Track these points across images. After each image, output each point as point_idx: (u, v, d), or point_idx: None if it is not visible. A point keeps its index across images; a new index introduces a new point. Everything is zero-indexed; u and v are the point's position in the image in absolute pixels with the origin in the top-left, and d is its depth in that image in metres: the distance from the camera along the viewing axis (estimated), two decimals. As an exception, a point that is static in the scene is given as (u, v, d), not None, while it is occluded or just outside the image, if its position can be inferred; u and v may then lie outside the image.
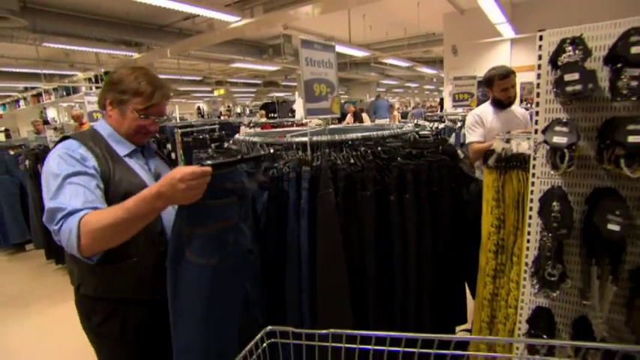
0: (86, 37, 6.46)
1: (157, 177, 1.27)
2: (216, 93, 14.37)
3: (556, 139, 1.01)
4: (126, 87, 1.20)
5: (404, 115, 11.48)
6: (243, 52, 8.69)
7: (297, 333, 1.00)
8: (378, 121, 7.55)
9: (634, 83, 0.89)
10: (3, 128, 12.18)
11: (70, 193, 1.04)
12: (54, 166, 1.09)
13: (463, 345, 1.46)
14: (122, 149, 1.24)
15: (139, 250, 1.17)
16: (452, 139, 4.07)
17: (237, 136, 2.06)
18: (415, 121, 5.02)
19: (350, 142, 1.76)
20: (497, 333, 1.68)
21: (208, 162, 1.01)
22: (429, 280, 1.47)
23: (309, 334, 0.99)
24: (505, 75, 2.39)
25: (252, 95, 19.19)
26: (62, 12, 6.03)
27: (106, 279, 1.18)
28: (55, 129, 4.96)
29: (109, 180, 1.14)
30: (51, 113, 14.08)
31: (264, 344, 1.01)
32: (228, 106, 16.90)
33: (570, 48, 0.97)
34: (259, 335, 1.00)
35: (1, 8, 4.34)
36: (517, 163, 1.46)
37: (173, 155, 4.20)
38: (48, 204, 1.04)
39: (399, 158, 1.50)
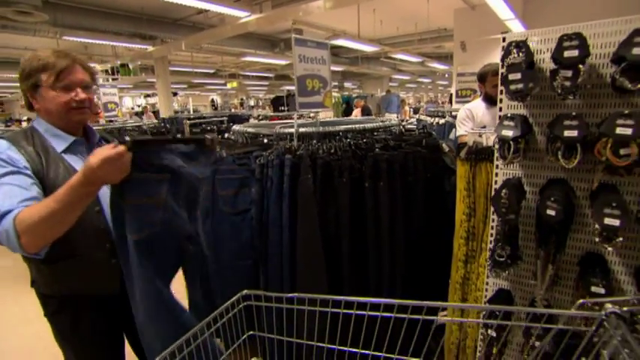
0: (103, 31, 6.72)
1: None
2: (229, 85, 14.60)
3: (504, 132, 1.13)
4: (29, 70, 1.13)
5: (416, 111, 11.50)
6: (255, 45, 8.85)
7: (268, 296, 1.16)
8: (387, 116, 7.63)
9: (567, 83, 1.00)
10: (25, 118, 12.69)
11: (4, 194, 1.00)
12: None
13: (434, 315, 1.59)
14: (59, 144, 1.17)
15: (84, 248, 1.15)
16: (452, 135, 4.16)
17: (234, 127, 2.22)
18: (417, 116, 5.11)
19: (339, 134, 1.91)
20: (469, 315, 1.80)
21: (127, 138, 0.99)
22: (402, 259, 1.60)
23: (278, 297, 1.15)
24: (498, 72, 2.47)
25: (266, 88, 19.38)
26: (81, 6, 6.29)
27: (53, 277, 1.18)
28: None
29: (44, 180, 1.10)
30: (70, 103, 14.52)
31: (240, 306, 1.16)
32: (242, 99, 17.14)
33: (515, 50, 1.08)
34: (235, 298, 1.15)
35: (25, 4, 4.58)
36: (486, 155, 1.57)
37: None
38: None
39: (376, 149, 1.63)
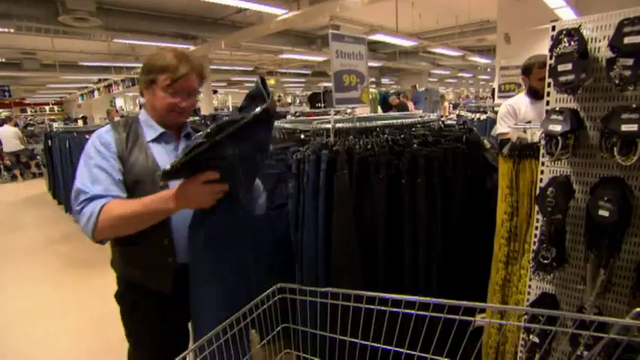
0: (149, 32, 7.07)
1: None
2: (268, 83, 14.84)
3: (551, 127, 1.06)
4: (152, 66, 1.20)
5: (456, 107, 11.10)
6: (293, 42, 8.94)
7: (302, 290, 1.17)
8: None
9: (627, 73, 0.93)
10: (81, 116, 13.65)
11: (94, 178, 1.13)
12: (87, 149, 1.20)
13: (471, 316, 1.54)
14: (150, 133, 1.26)
15: (142, 239, 1.19)
16: (494, 131, 3.98)
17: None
18: (457, 111, 4.93)
19: (376, 130, 1.88)
20: (509, 318, 1.73)
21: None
22: (439, 258, 1.56)
23: (312, 290, 1.16)
24: (545, 64, 2.33)
25: (303, 85, 19.52)
26: (129, 10, 6.65)
27: (119, 260, 1.31)
28: (122, 117, 5.55)
29: (125, 161, 1.20)
30: (119, 102, 15.45)
31: (275, 298, 1.19)
32: (279, 96, 17.39)
33: (566, 39, 1.01)
34: (271, 290, 1.18)
35: (82, 10, 4.92)
36: (530, 152, 1.49)
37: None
38: (75, 184, 1.14)
39: (414, 145, 1.60)
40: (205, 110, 9.13)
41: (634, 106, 0.96)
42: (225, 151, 1.00)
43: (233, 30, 7.71)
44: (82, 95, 17.28)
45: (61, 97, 20.13)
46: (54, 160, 5.99)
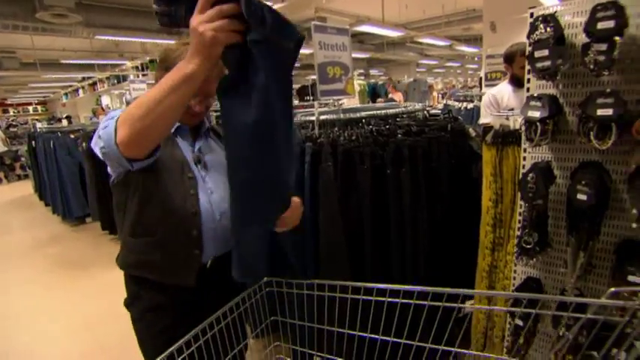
0: (132, 28, 6.93)
1: (196, 160, 1.18)
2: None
3: (530, 113, 1.07)
4: (170, 63, 1.04)
5: (444, 96, 11.14)
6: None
7: (289, 282, 1.17)
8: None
9: (601, 58, 0.94)
10: (65, 115, 13.39)
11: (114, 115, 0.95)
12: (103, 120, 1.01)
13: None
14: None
15: (170, 228, 1.11)
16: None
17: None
18: (445, 101, 4.96)
19: (362, 121, 1.88)
20: (496, 304, 1.76)
21: None
22: (425, 247, 1.58)
23: (299, 283, 1.16)
24: None
25: (292, 78, 19.33)
26: (111, 5, 6.51)
27: (132, 252, 1.17)
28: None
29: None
30: (105, 100, 15.19)
31: (262, 292, 1.19)
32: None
33: (542, 25, 1.02)
34: (258, 284, 1.18)
35: (60, 6, 4.80)
36: (513, 139, 1.50)
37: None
38: (97, 130, 0.98)
39: (399, 135, 1.60)
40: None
41: (608, 90, 0.97)
42: None
43: (218, 24, 7.60)
44: (65, 94, 16.93)
45: (44, 97, 19.71)
46: (39, 161, 5.88)
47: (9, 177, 9.80)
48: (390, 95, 8.70)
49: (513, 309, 1.04)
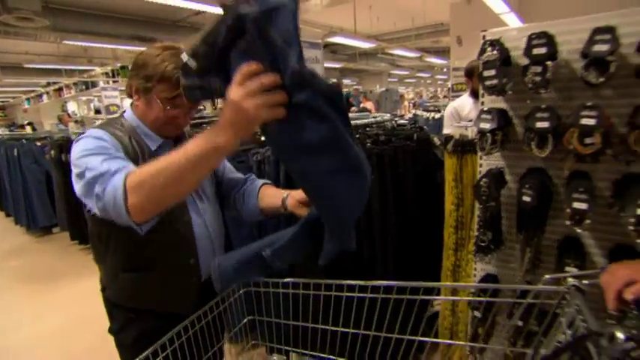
0: (103, 34, 6.80)
1: None
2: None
3: (482, 125, 1.21)
4: (150, 72, 1.00)
5: (415, 106, 11.50)
6: (253, 44, 8.92)
7: (266, 282, 1.24)
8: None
9: (537, 78, 1.08)
10: (27, 122, 12.79)
11: (104, 160, 0.89)
12: (81, 146, 0.95)
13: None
14: (150, 143, 1.09)
15: (166, 258, 1.08)
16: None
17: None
18: (414, 111, 5.19)
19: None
20: (459, 301, 1.89)
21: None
22: (393, 247, 1.69)
23: (275, 282, 1.23)
24: None
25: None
26: (80, 10, 6.38)
27: (128, 287, 1.10)
28: (76, 122, 5.32)
29: None
30: (71, 107, 14.65)
31: (240, 292, 1.25)
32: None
33: (490, 48, 1.16)
34: (235, 285, 1.24)
35: (26, 10, 4.67)
36: (471, 148, 1.65)
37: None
38: (84, 178, 0.88)
39: (368, 144, 1.72)
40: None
41: (543, 106, 1.12)
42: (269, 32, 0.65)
43: (192, 32, 7.59)
44: (28, 99, 16.20)
45: (3, 102, 18.78)
46: (0, 168, 5.64)
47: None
48: (362, 105, 8.95)
49: (465, 298, 1.16)
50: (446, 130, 2.65)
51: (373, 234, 1.66)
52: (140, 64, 1.03)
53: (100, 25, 6.67)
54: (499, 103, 1.44)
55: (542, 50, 1.06)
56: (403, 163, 1.74)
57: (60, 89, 13.27)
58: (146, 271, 1.07)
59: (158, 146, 1.09)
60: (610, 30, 1.00)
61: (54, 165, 4.35)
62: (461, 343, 1.47)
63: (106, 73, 9.05)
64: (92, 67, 10.01)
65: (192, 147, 0.75)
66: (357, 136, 1.90)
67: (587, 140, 1.05)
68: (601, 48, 1.00)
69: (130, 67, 1.08)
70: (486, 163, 1.54)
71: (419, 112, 4.50)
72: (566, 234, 1.39)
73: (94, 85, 10.57)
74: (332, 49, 11.57)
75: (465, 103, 2.65)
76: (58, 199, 4.47)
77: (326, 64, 12.78)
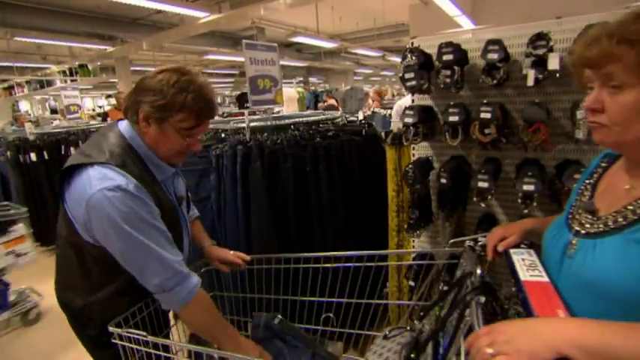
0: (58, 31, 6.59)
1: (179, 201, 1.17)
2: (193, 84, 14.43)
3: (405, 120, 1.43)
4: (168, 102, 0.96)
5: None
6: (218, 43, 8.90)
7: (223, 261, 1.41)
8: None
9: (447, 80, 1.31)
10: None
11: (157, 240, 0.96)
12: (119, 208, 0.92)
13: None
14: (159, 174, 1.08)
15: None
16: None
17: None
18: (372, 108, 5.45)
19: (290, 127, 2.17)
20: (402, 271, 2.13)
21: None
22: (343, 226, 1.89)
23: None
24: None
25: (232, 85, 19.26)
26: (32, 5, 6.15)
27: (118, 307, 1.07)
28: (31, 122, 5.17)
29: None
30: (24, 106, 13.94)
31: (202, 270, 1.41)
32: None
33: (409, 54, 1.38)
34: (198, 263, 1.40)
35: (-28, 5, 4.50)
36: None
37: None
38: (157, 255, 0.95)
39: (317, 139, 1.91)
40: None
41: (452, 103, 1.35)
42: None
43: (154, 30, 7.49)
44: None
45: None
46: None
47: None
48: (326, 102, 9.16)
49: (399, 262, 1.38)
50: (393, 126, 2.89)
51: (324, 220, 1.86)
52: (154, 89, 0.97)
53: (55, 21, 6.46)
54: (427, 100, 1.68)
55: (450, 57, 1.29)
56: (349, 156, 1.95)
57: (11, 87, 12.60)
58: (145, 293, 1.05)
59: (164, 178, 1.10)
60: (498, 42, 1.24)
61: (11, 166, 4.25)
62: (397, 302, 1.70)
63: (64, 72, 8.74)
64: (47, 64, 9.60)
65: (227, 338, 1.07)
66: (311, 132, 2.09)
67: (486, 131, 1.28)
68: (493, 56, 1.24)
69: (134, 88, 1.02)
70: (418, 153, 1.77)
71: (377, 110, 4.76)
72: (485, 212, 1.65)
73: (49, 83, 10.14)
74: (297, 48, 11.71)
75: (409, 101, 2.91)
76: (16, 201, 4.36)
77: (292, 63, 12.89)
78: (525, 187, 1.24)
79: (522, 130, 1.29)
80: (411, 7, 8.21)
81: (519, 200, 1.27)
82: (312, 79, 18.51)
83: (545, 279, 0.79)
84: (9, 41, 6.97)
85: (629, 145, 0.71)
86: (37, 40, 6.88)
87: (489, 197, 1.34)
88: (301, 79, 16.46)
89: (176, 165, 1.15)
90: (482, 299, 0.77)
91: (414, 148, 1.76)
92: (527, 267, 0.84)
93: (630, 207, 0.70)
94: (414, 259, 1.83)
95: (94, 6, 6.51)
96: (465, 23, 7.28)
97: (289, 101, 8.25)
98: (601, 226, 0.74)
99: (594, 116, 0.72)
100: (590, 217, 0.78)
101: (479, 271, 0.84)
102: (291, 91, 8.61)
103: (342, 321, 1.34)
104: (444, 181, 1.39)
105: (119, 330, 0.99)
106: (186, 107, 0.97)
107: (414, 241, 1.90)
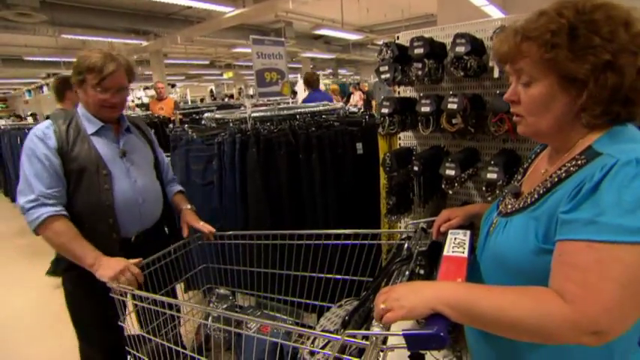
0: (100, 28, 7.09)
1: (122, 154, 1.43)
2: (225, 76, 14.91)
3: (383, 110, 1.52)
4: (80, 66, 1.32)
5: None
6: (246, 36, 9.15)
7: (215, 235, 1.57)
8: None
9: (419, 72, 1.40)
10: (29, 112, 13.12)
11: (37, 172, 1.28)
12: (27, 145, 1.32)
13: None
14: (90, 127, 1.39)
15: (90, 220, 1.36)
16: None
17: (206, 114, 2.63)
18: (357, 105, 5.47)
19: (295, 117, 2.31)
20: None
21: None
22: (335, 209, 2.02)
23: (221, 235, 1.57)
24: None
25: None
26: (77, 5, 6.65)
27: None
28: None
29: (66, 156, 1.33)
30: (72, 98, 14.90)
31: (195, 243, 1.58)
32: (240, 88, 17.42)
33: (385, 49, 1.47)
34: (191, 237, 1.57)
35: (24, 5, 4.96)
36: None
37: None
38: (20, 179, 1.30)
39: (312, 128, 2.04)
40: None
41: (422, 94, 1.43)
42: None
43: (186, 24, 7.85)
44: (29, 91, 16.51)
45: (4, 93, 19.10)
46: (4, 157, 5.99)
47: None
48: (352, 95, 9.22)
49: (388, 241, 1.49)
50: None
51: (315, 204, 1.99)
52: (74, 65, 1.35)
53: (97, 18, 6.96)
54: (411, 92, 1.76)
55: (421, 50, 1.37)
56: (343, 145, 2.07)
57: (59, 81, 13.52)
58: (76, 225, 1.33)
59: (96, 130, 1.40)
60: (465, 35, 1.30)
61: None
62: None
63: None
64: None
65: (80, 254, 1.28)
66: (311, 122, 2.22)
67: (453, 121, 1.36)
68: (460, 49, 1.31)
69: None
70: (403, 142, 1.86)
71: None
72: (465, 200, 1.71)
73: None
74: (326, 40, 11.78)
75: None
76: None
77: (320, 55, 12.97)
78: (489, 176, 1.31)
79: (489, 120, 1.35)
80: (440, -4, 8.04)
81: (483, 188, 1.34)
82: (342, 71, 18.50)
83: (464, 255, 0.88)
84: (57, 38, 7.58)
85: (545, 134, 0.78)
86: (82, 37, 7.41)
87: (456, 185, 1.42)
88: (330, 70, 16.52)
89: (120, 122, 1.48)
90: (405, 268, 0.88)
91: (400, 138, 1.84)
92: (454, 245, 0.93)
93: (537, 188, 0.78)
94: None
95: (131, 3, 6.93)
96: (494, 13, 7.06)
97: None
98: (516, 206, 0.82)
99: (514, 107, 0.80)
100: (514, 198, 0.86)
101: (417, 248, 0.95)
102: (317, 83, 8.75)
103: (320, 295, 1.46)
104: (416, 168, 1.48)
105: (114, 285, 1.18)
106: (91, 66, 1.30)
107: (399, 225, 2.00)
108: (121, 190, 1.39)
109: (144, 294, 1.13)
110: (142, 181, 1.46)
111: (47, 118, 1.42)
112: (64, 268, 1.42)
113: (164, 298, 1.14)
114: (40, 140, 1.31)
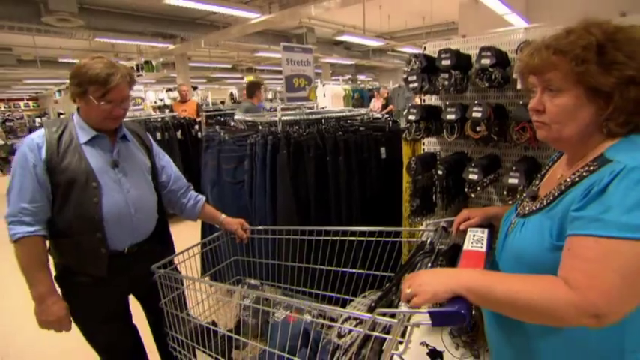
0: (129, 31, 7.40)
1: (113, 164, 1.36)
2: (246, 79, 15.20)
3: (410, 117, 1.61)
4: (81, 78, 1.25)
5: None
6: (269, 41, 9.38)
7: (251, 230, 1.68)
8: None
9: (445, 82, 1.48)
10: (58, 112, 13.68)
11: (22, 185, 1.24)
12: (18, 156, 1.28)
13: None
14: (83, 136, 1.32)
15: (78, 232, 1.30)
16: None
17: (236, 116, 2.77)
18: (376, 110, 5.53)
19: (322, 121, 2.43)
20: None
21: None
22: (359, 209, 2.11)
23: (251, 229, 1.68)
24: None
25: (282, 81, 19.87)
26: (110, 10, 6.97)
27: (54, 249, 1.37)
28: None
29: (56, 168, 1.27)
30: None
31: (225, 237, 1.70)
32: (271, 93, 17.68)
33: (413, 59, 1.56)
34: (221, 232, 1.68)
35: (64, 12, 5.25)
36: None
37: (200, 135, 5.04)
38: (8, 190, 1.27)
39: (340, 132, 2.14)
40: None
41: (447, 103, 1.52)
42: None
43: (211, 29, 8.11)
44: (59, 91, 17.18)
45: (36, 93, 19.92)
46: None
47: (4, 170, 10.14)
48: (373, 101, 9.29)
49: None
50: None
51: (340, 204, 2.09)
52: (72, 74, 1.28)
53: (127, 23, 7.27)
54: (436, 100, 1.85)
55: (448, 62, 1.46)
56: (368, 149, 2.16)
57: (89, 81, 14.02)
58: (61, 238, 1.32)
59: (89, 139, 1.33)
60: (491, 49, 1.39)
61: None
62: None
63: (132, 67, 9.69)
64: (119, 61, 10.65)
65: (32, 279, 1.28)
66: (337, 126, 2.33)
67: (477, 128, 1.44)
68: (485, 61, 1.39)
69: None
70: (427, 148, 1.94)
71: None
72: (486, 205, 1.78)
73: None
74: (346, 46, 11.91)
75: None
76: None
77: (340, 61, 13.10)
78: (510, 181, 1.38)
79: (512, 129, 1.43)
80: (462, 4, 8.04)
81: (504, 193, 1.42)
82: (361, 77, 18.59)
83: (483, 250, 0.96)
84: (91, 42, 7.93)
85: (566, 141, 0.86)
86: (113, 40, 7.74)
87: (479, 189, 1.49)
88: (349, 76, 16.64)
89: (118, 132, 1.41)
90: (427, 260, 0.97)
91: (424, 144, 1.93)
92: (473, 241, 1.01)
93: (552, 191, 0.86)
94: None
95: (159, 8, 7.21)
96: (516, 22, 7.04)
97: (335, 97, 8.51)
98: (533, 207, 0.90)
99: (537, 116, 0.88)
100: (531, 201, 0.94)
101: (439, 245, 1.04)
102: (337, 89, 8.86)
103: (344, 288, 1.55)
104: (440, 172, 1.57)
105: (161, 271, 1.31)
106: (94, 79, 1.24)
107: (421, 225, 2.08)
108: (110, 203, 1.32)
109: (189, 277, 1.25)
110: (135, 192, 1.40)
111: (41, 126, 1.37)
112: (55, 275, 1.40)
113: (208, 281, 1.26)
114: (31, 151, 1.27)
